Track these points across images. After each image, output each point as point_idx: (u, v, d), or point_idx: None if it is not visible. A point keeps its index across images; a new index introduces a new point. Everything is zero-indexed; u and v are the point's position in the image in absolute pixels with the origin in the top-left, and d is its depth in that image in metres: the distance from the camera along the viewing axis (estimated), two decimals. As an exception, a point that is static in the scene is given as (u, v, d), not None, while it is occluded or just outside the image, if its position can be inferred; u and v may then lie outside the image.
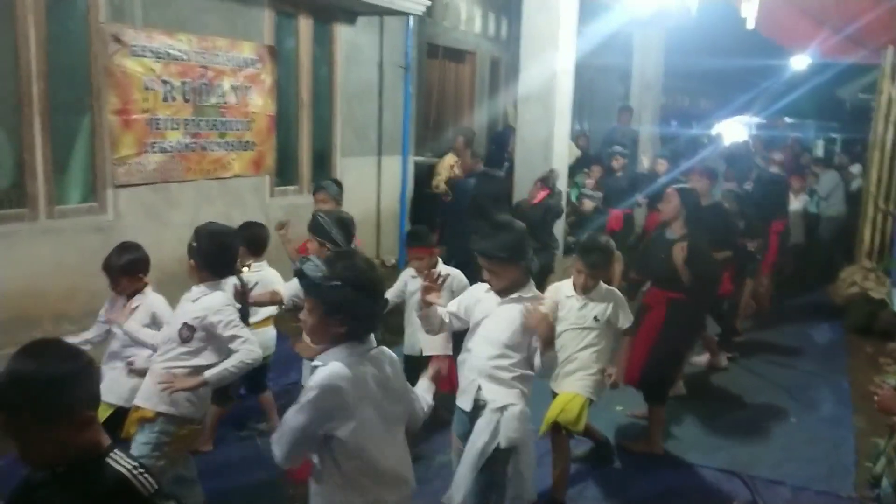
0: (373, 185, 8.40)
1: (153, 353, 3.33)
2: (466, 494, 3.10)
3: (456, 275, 4.25)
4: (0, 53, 4.86)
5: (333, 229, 3.60)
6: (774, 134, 16.77)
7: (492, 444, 3.11)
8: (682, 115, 19.64)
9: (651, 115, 12.18)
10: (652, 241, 5.02)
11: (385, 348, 2.44)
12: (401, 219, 8.66)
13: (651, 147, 11.62)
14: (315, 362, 2.30)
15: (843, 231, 9.90)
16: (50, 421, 1.68)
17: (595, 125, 14.13)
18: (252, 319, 4.37)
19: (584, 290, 3.86)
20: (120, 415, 3.39)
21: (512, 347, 3.16)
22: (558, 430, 3.80)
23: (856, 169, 12.38)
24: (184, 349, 3.17)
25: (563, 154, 7.47)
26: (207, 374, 3.11)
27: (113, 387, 3.48)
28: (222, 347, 3.18)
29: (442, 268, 4.25)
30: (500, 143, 10.23)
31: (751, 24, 8.95)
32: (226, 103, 6.32)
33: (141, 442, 3.11)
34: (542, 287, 3.97)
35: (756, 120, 20.44)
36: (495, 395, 3.14)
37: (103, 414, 3.35)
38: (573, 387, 3.81)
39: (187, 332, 3.15)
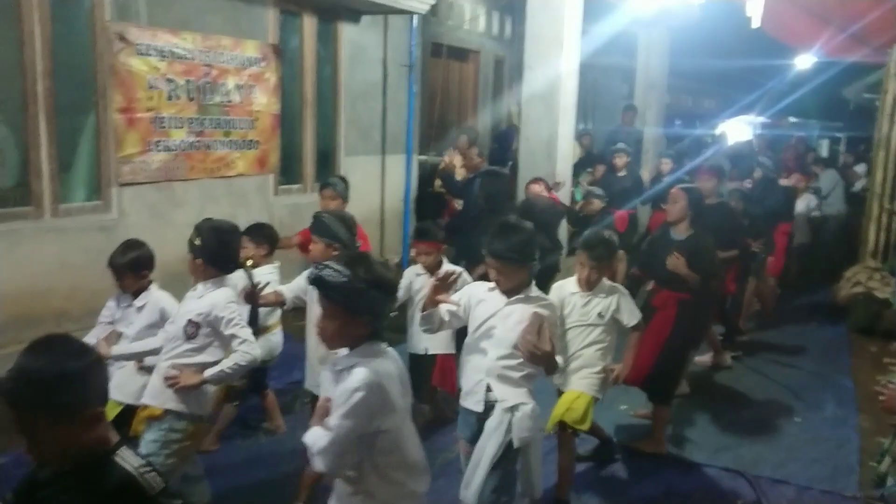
0: (376, 185, 8.40)
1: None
2: (480, 493, 3.10)
3: (461, 273, 4.25)
4: (5, 52, 4.88)
5: (340, 229, 3.57)
6: (778, 133, 16.74)
7: (504, 443, 3.11)
8: (686, 114, 19.64)
9: (655, 114, 12.17)
10: (656, 241, 5.00)
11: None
12: (404, 218, 8.65)
13: (655, 147, 11.62)
14: (338, 366, 2.32)
15: (843, 230, 9.90)
16: (59, 417, 1.68)
17: (599, 125, 14.11)
18: (271, 321, 4.39)
19: (588, 283, 3.86)
20: (129, 413, 3.40)
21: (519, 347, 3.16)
22: (564, 429, 3.80)
23: (860, 168, 12.36)
24: (189, 346, 3.17)
25: (567, 153, 7.47)
26: (206, 373, 3.12)
27: (122, 385, 3.48)
28: (227, 344, 3.19)
29: (447, 266, 4.25)
30: (503, 142, 10.22)
31: (756, 23, 8.92)
32: (230, 102, 6.32)
33: (150, 440, 3.11)
34: (547, 287, 3.97)
35: (760, 119, 20.41)
36: (506, 394, 3.14)
37: (112, 412, 3.37)
38: (578, 385, 3.81)
39: (192, 329, 3.15)
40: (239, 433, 4.55)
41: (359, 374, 2.24)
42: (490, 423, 3.14)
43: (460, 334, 3.57)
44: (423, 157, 9.31)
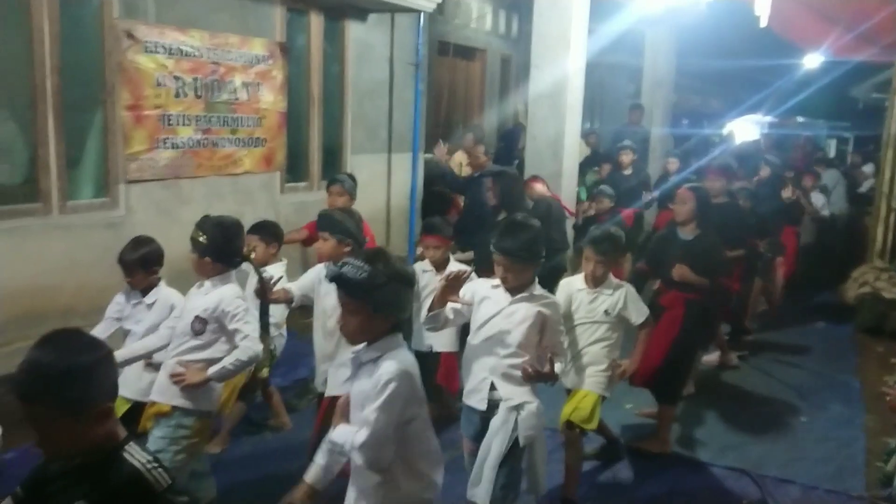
0: (383, 183, 8.41)
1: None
2: (488, 492, 3.10)
3: (470, 273, 4.24)
4: (14, 49, 4.90)
5: (351, 226, 3.56)
6: (786, 133, 16.69)
7: (510, 441, 3.11)
8: (693, 114, 19.57)
9: (662, 113, 12.14)
10: (663, 239, 4.98)
11: None
12: (410, 216, 8.66)
13: (661, 146, 11.59)
14: (363, 359, 2.35)
15: (845, 229, 9.86)
16: (70, 411, 1.69)
17: (606, 124, 14.09)
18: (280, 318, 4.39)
19: (594, 279, 3.85)
20: (137, 410, 3.41)
21: (523, 346, 3.15)
22: (571, 428, 3.79)
23: (868, 168, 12.32)
24: (196, 342, 3.18)
25: (573, 152, 7.46)
26: (210, 371, 3.12)
27: (130, 381, 3.49)
28: (232, 339, 3.19)
29: (454, 264, 4.25)
30: (509, 140, 10.22)
31: (763, 22, 8.90)
32: (237, 100, 6.34)
33: (158, 436, 3.12)
34: (554, 286, 3.97)
35: (767, 119, 20.35)
36: (510, 393, 3.14)
37: (121, 408, 3.39)
38: (585, 384, 3.81)
39: (199, 325, 3.16)
40: (245, 430, 4.56)
41: (390, 366, 2.27)
42: (495, 422, 3.15)
43: (464, 332, 3.56)
44: (429, 156, 9.30)
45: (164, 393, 3.17)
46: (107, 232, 5.32)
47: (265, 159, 6.74)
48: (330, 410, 2.76)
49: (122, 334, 3.75)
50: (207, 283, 3.23)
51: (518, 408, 3.12)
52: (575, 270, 4.61)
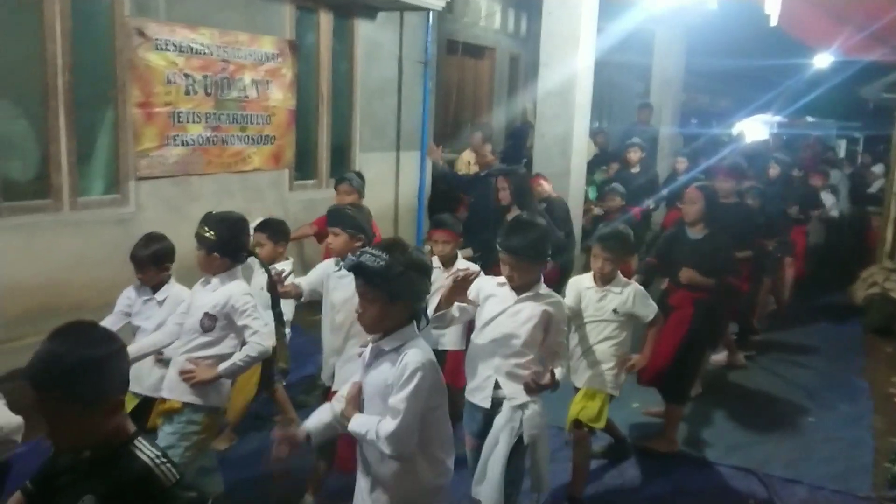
0: (391, 181, 8.42)
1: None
2: (496, 490, 3.11)
3: (478, 272, 4.24)
4: (26, 46, 4.94)
5: (362, 220, 3.57)
6: (796, 133, 16.61)
7: (514, 439, 3.13)
8: (702, 113, 19.52)
9: (671, 113, 12.12)
10: (672, 238, 4.97)
11: None
12: (418, 214, 8.68)
13: (670, 145, 11.56)
14: (386, 347, 2.37)
15: (849, 229, 9.82)
16: (82, 403, 1.70)
17: (614, 123, 14.07)
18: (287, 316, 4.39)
19: (603, 276, 3.86)
20: (146, 405, 3.43)
21: (528, 345, 3.16)
22: (579, 427, 3.80)
23: (878, 169, 12.26)
24: (205, 339, 3.19)
25: (581, 150, 7.46)
26: (220, 367, 3.14)
27: (140, 377, 3.51)
28: (241, 335, 3.21)
29: (462, 262, 4.25)
30: (517, 139, 10.20)
31: (773, 22, 8.87)
32: (246, 97, 6.36)
33: (168, 432, 3.14)
34: (561, 287, 3.98)
35: (777, 119, 20.27)
36: (514, 392, 3.14)
37: (130, 404, 3.41)
38: (594, 382, 3.82)
39: (209, 322, 3.17)
40: (251, 426, 4.58)
41: (416, 355, 2.31)
42: (499, 420, 3.16)
43: (471, 331, 3.56)
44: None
45: (173, 390, 3.19)
46: (117, 228, 5.36)
47: (274, 157, 6.77)
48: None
49: (132, 330, 3.77)
50: (215, 280, 3.24)
51: (522, 407, 3.13)
52: (583, 270, 4.60)
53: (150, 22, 5.50)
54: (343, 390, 2.55)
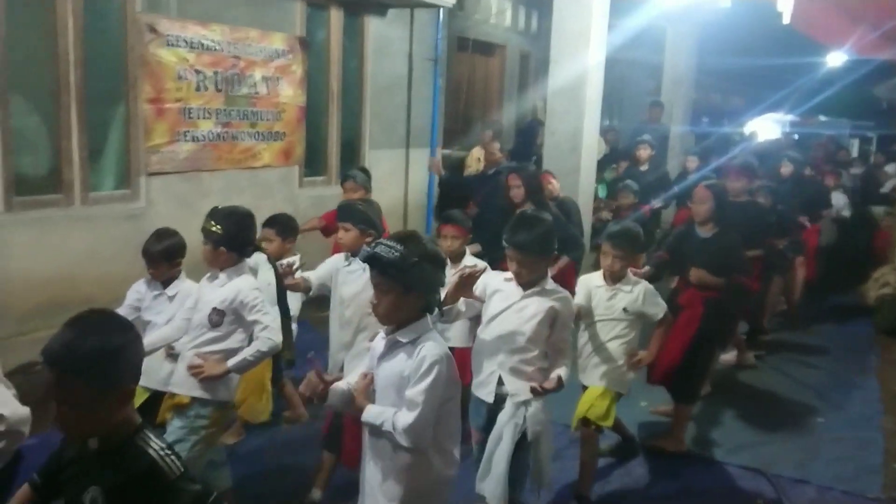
0: (400, 178, 8.43)
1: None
2: (497, 485, 3.12)
3: (485, 269, 4.23)
4: (39, 42, 4.97)
5: (373, 214, 3.56)
6: (808, 132, 16.52)
7: (517, 435, 3.13)
8: (713, 112, 19.42)
9: (682, 111, 12.06)
10: (682, 237, 4.95)
11: None
12: (427, 211, 8.69)
13: (681, 144, 11.51)
14: (403, 339, 2.38)
15: (853, 229, 9.76)
16: (99, 388, 1.71)
17: (625, 121, 14.02)
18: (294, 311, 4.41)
19: (612, 274, 3.85)
20: (155, 400, 3.44)
21: (533, 341, 3.16)
22: (587, 425, 3.80)
23: (891, 168, 12.18)
24: (213, 334, 3.20)
25: (591, 147, 7.44)
26: (230, 362, 3.15)
27: (150, 371, 3.51)
28: (250, 330, 3.22)
29: (469, 259, 4.25)
30: (526, 136, 10.18)
31: (786, 20, 8.82)
32: (257, 94, 6.38)
33: (177, 426, 3.15)
34: (571, 285, 3.96)
35: (789, 118, 20.14)
36: (518, 388, 3.15)
37: (140, 398, 3.42)
38: (602, 381, 3.81)
39: (217, 317, 3.18)
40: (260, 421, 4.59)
41: (433, 349, 2.33)
42: (502, 417, 3.17)
43: (478, 327, 3.56)
44: (447, 151, 9.32)
45: (182, 384, 3.20)
46: (127, 224, 5.39)
47: (284, 153, 6.78)
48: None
49: (142, 325, 3.78)
50: (222, 275, 3.24)
51: (525, 403, 3.13)
52: (592, 269, 4.58)
53: (162, 18, 5.53)
54: (351, 377, 2.56)
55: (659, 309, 3.88)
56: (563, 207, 5.76)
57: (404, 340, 2.39)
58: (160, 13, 5.53)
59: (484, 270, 3.45)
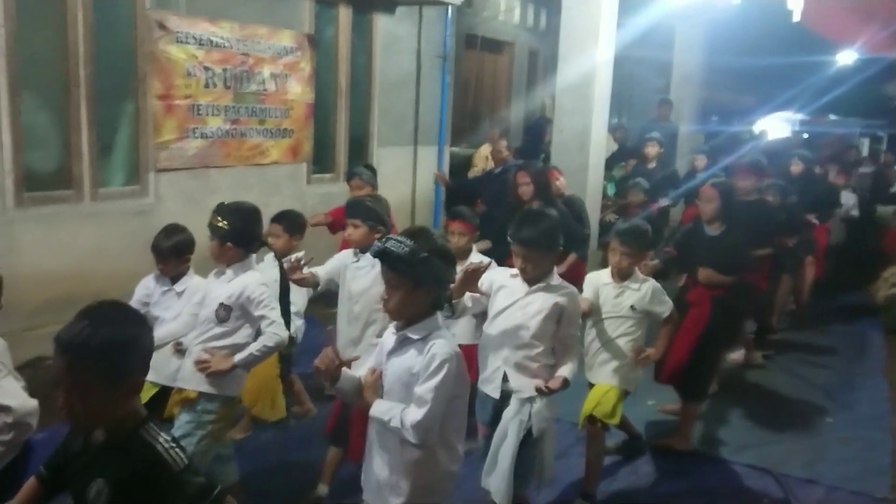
0: (408, 175, 8.43)
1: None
2: (502, 480, 3.13)
3: (490, 264, 4.23)
4: (49, 38, 4.99)
5: (382, 211, 3.56)
6: (818, 131, 16.43)
7: (522, 432, 3.14)
8: (723, 110, 19.33)
9: (691, 109, 12.02)
10: (689, 235, 4.94)
11: None
12: (435, 208, 8.69)
13: (690, 143, 11.47)
14: (414, 335, 2.39)
15: (861, 227, 9.72)
16: (109, 378, 1.72)
17: (634, 119, 13.98)
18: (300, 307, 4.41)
19: (620, 271, 3.84)
20: (163, 395, 3.46)
21: (538, 337, 3.17)
22: (593, 423, 3.79)
23: (902, 168, 12.09)
24: (220, 329, 3.21)
25: (600, 145, 7.43)
26: (236, 357, 3.16)
27: (158, 366, 3.52)
28: (256, 325, 3.23)
29: (475, 255, 4.25)
30: (534, 133, 10.16)
31: (797, 18, 8.78)
32: (265, 91, 6.39)
33: (184, 421, 3.16)
34: (578, 282, 3.96)
35: (799, 117, 20.03)
36: (522, 385, 3.16)
37: (148, 393, 3.44)
38: (609, 378, 3.81)
39: (224, 313, 3.19)
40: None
41: (444, 346, 2.34)
42: (507, 413, 3.18)
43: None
44: (455, 149, 9.32)
45: (189, 380, 3.22)
46: (136, 220, 5.41)
47: (292, 150, 6.80)
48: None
49: (150, 321, 3.79)
50: (229, 271, 3.25)
51: (530, 399, 3.14)
52: (599, 266, 4.58)
53: (171, 15, 5.54)
54: (359, 371, 2.57)
55: (665, 307, 3.87)
56: (570, 205, 5.76)
57: (415, 337, 2.40)
58: (170, 10, 5.55)
59: (489, 266, 3.45)
